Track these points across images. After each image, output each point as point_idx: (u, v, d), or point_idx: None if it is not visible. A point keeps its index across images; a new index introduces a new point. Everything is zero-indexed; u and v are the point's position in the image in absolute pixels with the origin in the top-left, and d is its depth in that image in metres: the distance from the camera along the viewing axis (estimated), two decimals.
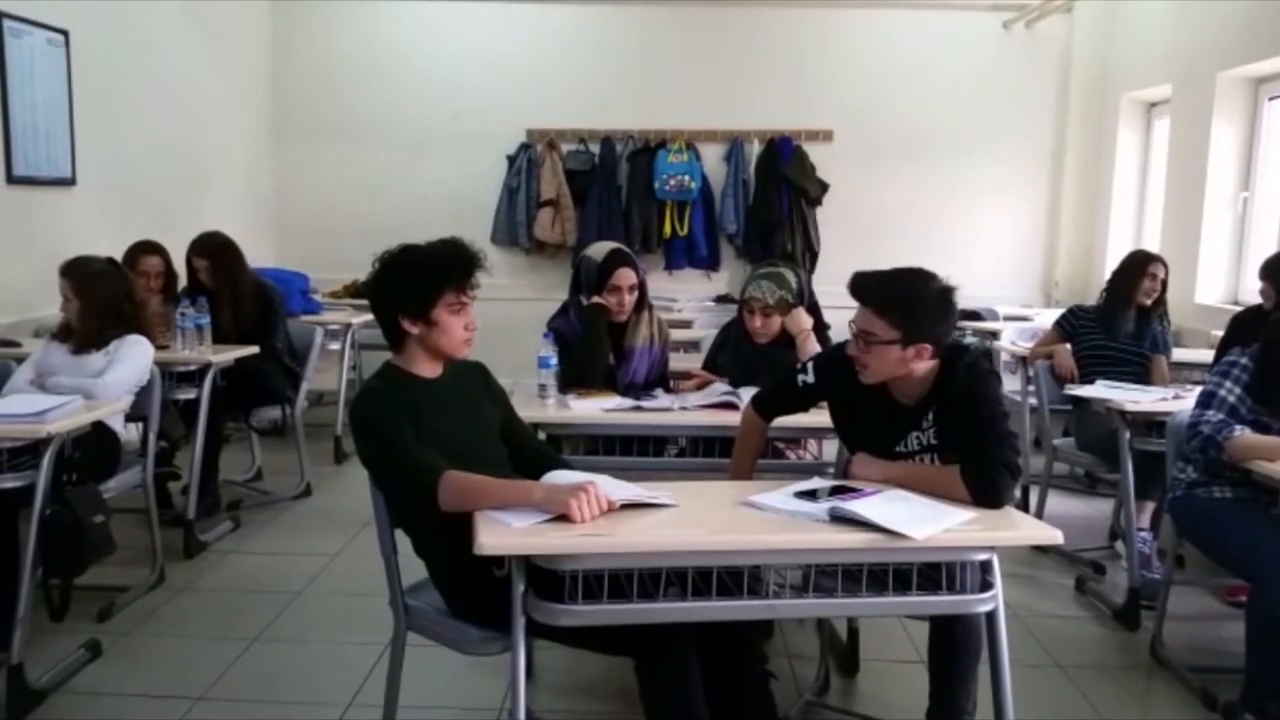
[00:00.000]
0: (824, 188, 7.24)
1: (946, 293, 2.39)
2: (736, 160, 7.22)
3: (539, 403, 3.21)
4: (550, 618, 2.01)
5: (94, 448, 3.30)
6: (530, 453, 2.54)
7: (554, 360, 3.28)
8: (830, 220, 7.26)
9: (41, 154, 4.83)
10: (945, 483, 2.28)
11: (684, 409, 3.25)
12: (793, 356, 3.36)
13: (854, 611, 2.77)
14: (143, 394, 3.63)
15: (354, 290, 6.73)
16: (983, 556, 2.13)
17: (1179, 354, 4.67)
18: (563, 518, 2.03)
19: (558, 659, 3.09)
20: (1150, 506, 3.95)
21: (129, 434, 3.66)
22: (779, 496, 2.22)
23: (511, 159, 7.27)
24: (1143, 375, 4.29)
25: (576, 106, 7.24)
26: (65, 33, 4.95)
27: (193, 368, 4.09)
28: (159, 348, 3.80)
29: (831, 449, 3.15)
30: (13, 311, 4.58)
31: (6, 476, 2.93)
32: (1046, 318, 5.53)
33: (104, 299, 3.56)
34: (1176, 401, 3.65)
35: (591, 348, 3.46)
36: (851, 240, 7.16)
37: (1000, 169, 7.36)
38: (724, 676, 2.26)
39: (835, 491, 2.25)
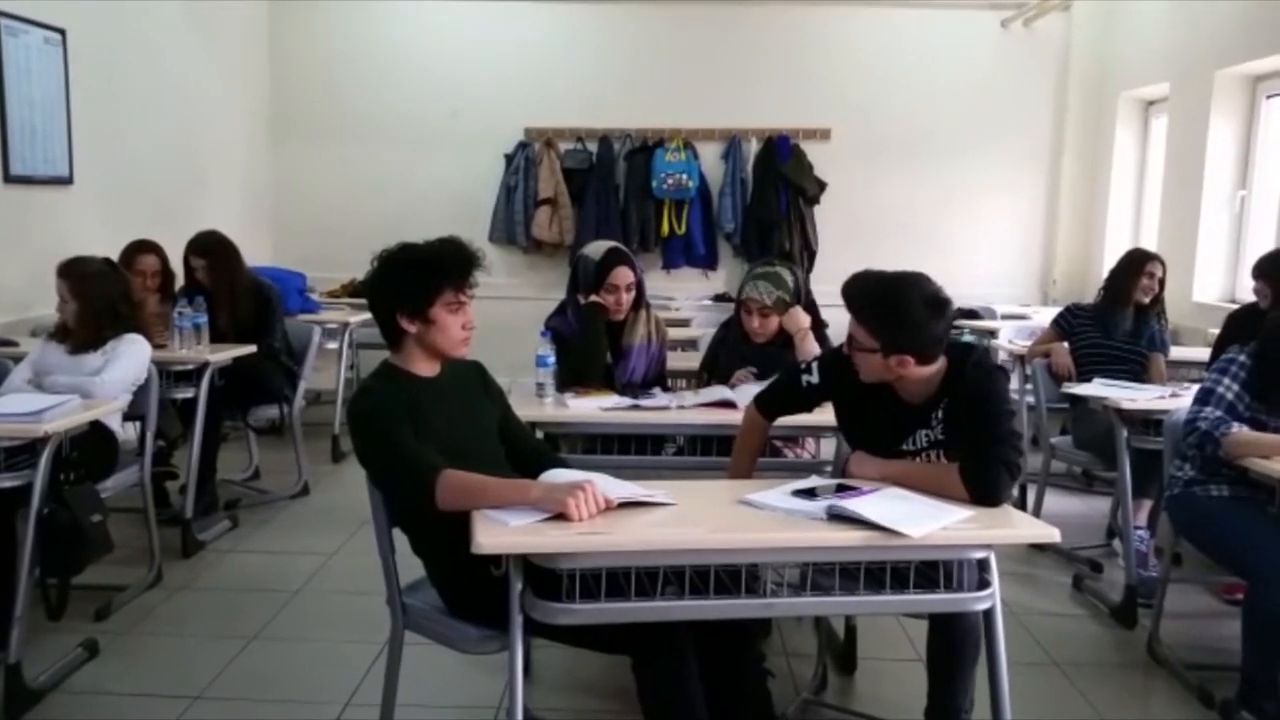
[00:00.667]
0: (822, 186, 7.23)
1: (935, 301, 2.37)
2: (734, 159, 7.22)
3: (537, 402, 3.21)
4: (548, 616, 2.01)
5: (91, 447, 3.29)
6: (528, 451, 2.54)
7: (552, 359, 3.28)
8: (828, 219, 7.26)
9: (38, 153, 4.82)
10: (943, 481, 2.29)
11: (682, 408, 3.25)
12: (791, 355, 3.36)
13: (851, 610, 2.78)
14: (140, 393, 3.63)
15: (352, 289, 6.74)
16: (980, 555, 2.13)
17: (1176, 352, 4.68)
18: (560, 516, 2.03)
19: (556, 658, 3.09)
20: (1147, 504, 3.96)
21: (126, 433, 3.66)
22: (777, 495, 2.22)
23: (509, 158, 7.27)
24: (1140, 373, 4.29)
25: (574, 105, 7.24)
26: (62, 31, 4.94)
27: (190, 367, 4.08)
28: (156, 347, 3.80)
29: (829, 447, 3.16)
30: (10, 311, 4.57)
31: (4, 476, 2.93)
32: (1044, 316, 5.53)
33: (101, 300, 3.56)
34: (1174, 400, 3.65)
35: (589, 346, 3.46)
36: (849, 239, 7.16)
37: (998, 167, 7.36)
38: (722, 675, 2.26)
39: (833, 490, 2.25)
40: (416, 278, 2.31)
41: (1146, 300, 4.45)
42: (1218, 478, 2.97)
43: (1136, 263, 4.49)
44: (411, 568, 2.42)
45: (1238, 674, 2.81)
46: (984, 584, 2.15)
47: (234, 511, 4.55)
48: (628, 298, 3.49)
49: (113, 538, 3.18)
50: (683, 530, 2.08)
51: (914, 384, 2.43)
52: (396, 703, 2.45)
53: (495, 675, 2.87)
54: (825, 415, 2.76)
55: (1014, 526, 2.23)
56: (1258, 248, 5.27)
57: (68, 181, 5.05)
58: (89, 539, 3.03)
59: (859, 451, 2.50)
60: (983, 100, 7.26)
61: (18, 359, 3.65)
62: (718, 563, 2.05)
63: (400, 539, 2.37)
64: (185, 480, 4.19)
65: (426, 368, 2.38)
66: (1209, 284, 5.84)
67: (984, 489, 2.23)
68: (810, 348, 3.36)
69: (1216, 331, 4.40)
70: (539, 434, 3.02)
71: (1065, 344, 4.49)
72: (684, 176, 7.04)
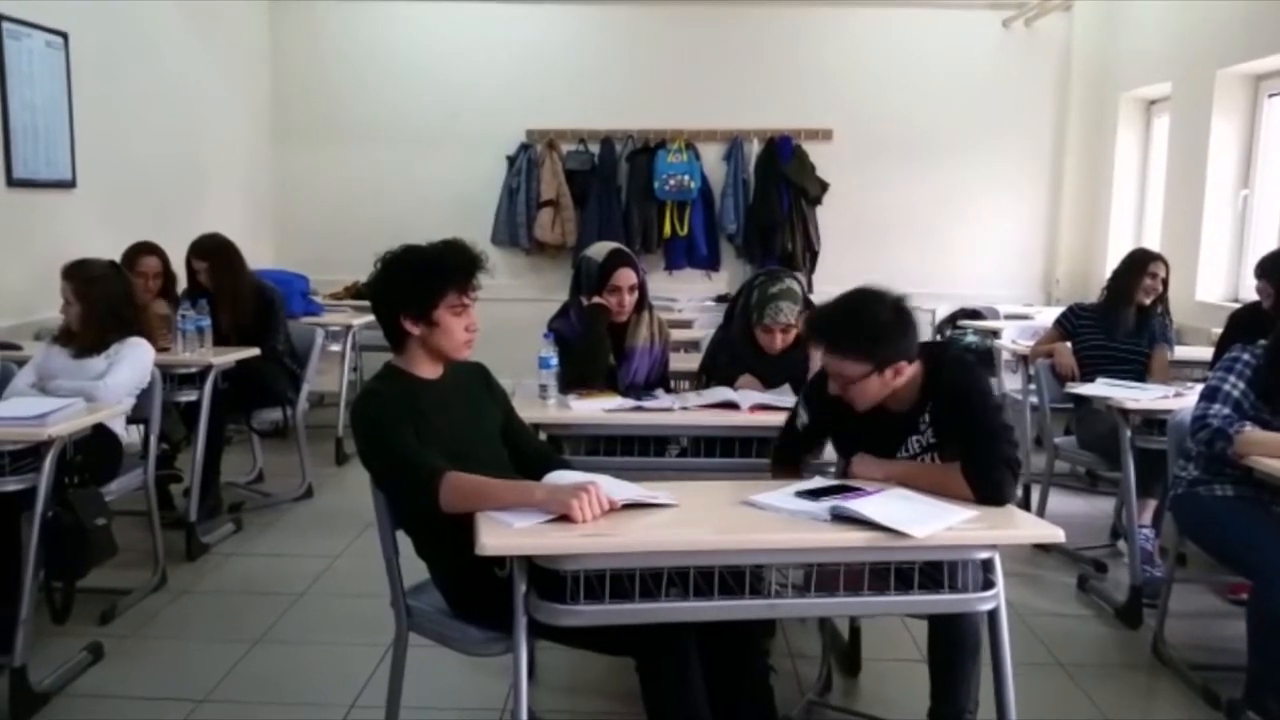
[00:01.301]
0: (824, 187, 7.24)
1: (900, 308, 2.38)
2: (736, 160, 7.22)
3: (540, 403, 3.21)
4: (552, 618, 2.01)
5: (95, 450, 3.30)
6: (531, 453, 2.54)
7: (554, 361, 3.28)
8: (830, 219, 7.26)
9: (41, 156, 4.83)
10: (947, 481, 2.28)
11: (684, 409, 3.25)
12: (797, 355, 3.37)
13: (855, 611, 2.77)
14: (144, 396, 3.63)
15: (354, 291, 6.74)
16: (984, 555, 2.13)
17: (1180, 351, 4.67)
18: (564, 518, 2.03)
19: (560, 659, 3.09)
20: (1152, 504, 3.95)
21: (130, 436, 3.66)
22: (780, 496, 2.22)
23: (511, 159, 7.27)
24: (1143, 373, 4.28)
25: (576, 107, 7.24)
26: (64, 35, 4.95)
27: (194, 370, 4.09)
28: (160, 350, 3.80)
29: (832, 448, 3.15)
30: (13, 314, 4.58)
31: (8, 479, 2.93)
32: (1047, 316, 5.52)
33: (105, 302, 3.56)
34: (1177, 399, 3.64)
35: (592, 348, 3.46)
36: (852, 239, 7.16)
37: (1000, 167, 7.36)
38: (724, 675, 2.26)
39: (837, 490, 2.25)
40: (420, 280, 2.31)
41: (1149, 301, 4.44)
42: (1222, 477, 2.96)
43: (1139, 263, 4.48)
44: (415, 570, 2.42)
45: (1243, 674, 2.80)
46: (989, 584, 2.15)
47: (238, 514, 4.56)
48: (630, 299, 3.48)
49: (117, 541, 3.18)
50: (686, 531, 2.08)
51: (898, 392, 2.42)
52: (401, 705, 2.45)
53: (499, 677, 2.88)
54: None
55: (1018, 527, 2.23)
56: (1260, 247, 5.27)
57: (70, 185, 5.06)
58: (93, 542, 3.03)
59: (862, 453, 2.49)
60: (984, 100, 7.26)
61: (21, 362, 3.65)
62: (722, 564, 2.04)
63: (404, 541, 2.37)
64: (189, 483, 4.19)
65: (429, 370, 2.38)
66: (1212, 283, 5.84)
67: (989, 490, 2.24)
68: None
69: (1220, 331, 4.40)
70: (542, 435, 3.02)
71: (1068, 344, 4.49)
72: (686, 177, 7.05)
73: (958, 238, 7.31)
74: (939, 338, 6.30)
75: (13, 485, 2.93)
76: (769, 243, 7.08)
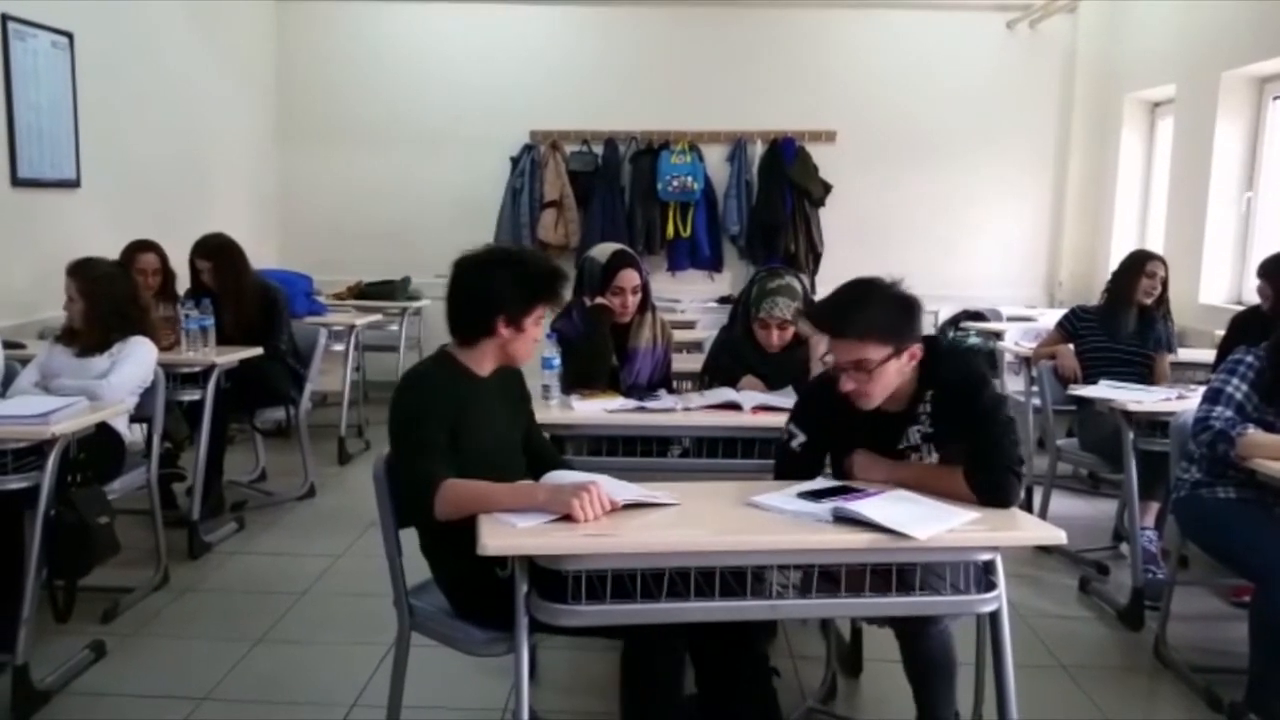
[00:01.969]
0: (827, 188, 7.23)
1: (902, 291, 2.37)
2: (739, 161, 7.22)
3: (542, 404, 3.20)
4: (553, 618, 2.01)
5: (98, 449, 3.30)
6: (548, 458, 2.56)
7: (557, 361, 3.29)
8: (833, 221, 7.26)
9: (46, 157, 4.84)
10: (951, 483, 2.27)
11: (687, 410, 3.26)
12: (798, 355, 3.37)
13: (857, 612, 2.76)
14: (147, 395, 3.64)
15: (357, 291, 6.75)
16: (986, 557, 2.13)
17: (1183, 354, 4.67)
18: (566, 518, 2.04)
19: (561, 659, 3.09)
20: (1154, 507, 3.95)
21: (133, 435, 3.67)
22: (782, 497, 2.21)
23: (515, 160, 7.27)
24: (1146, 375, 4.28)
25: (580, 108, 7.25)
26: (70, 35, 4.96)
27: (197, 369, 4.09)
28: (163, 349, 3.81)
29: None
30: (17, 313, 4.59)
31: (12, 478, 2.93)
32: (1050, 318, 5.53)
33: (108, 301, 3.57)
34: (1180, 401, 3.64)
35: (595, 349, 3.46)
36: (855, 241, 7.15)
37: (1004, 169, 7.35)
38: (717, 676, 2.28)
39: (839, 492, 2.25)
40: (525, 286, 2.33)
41: (1149, 301, 4.44)
42: (1224, 480, 2.96)
43: (1137, 263, 4.49)
44: (417, 569, 2.42)
45: (1245, 677, 2.79)
46: (990, 586, 2.15)
47: (240, 513, 4.56)
48: (633, 300, 3.49)
49: (119, 539, 3.19)
50: (688, 532, 2.09)
51: (896, 390, 2.38)
52: (403, 704, 2.46)
53: (501, 677, 2.88)
54: None
55: (1020, 529, 2.23)
56: (1264, 249, 5.24)
57: (75, 184, 5.07)
58: (96, 541, 3.04)
59: (865, 453, 2.47)
60: (988, 102, 7.25)
61: (25, 361, 3.66)
62: (723, 564, 2.04)
63: (407, 541, 2.37)
64: (191, 482, 4.20)
65: (484, 367, 2.40)
66: (1215, 286, 5.83)
67: (993, 495, 2.23)
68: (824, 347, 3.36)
69: (1222, 333, 4.39)
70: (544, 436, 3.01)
71: (1070, 346, 4.49)
72: (689, 179, 7.05)
73: (961, 240, 7.30)
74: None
75: (16, 484, 2.94)
76: (772, 244, 7.08)
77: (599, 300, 3.47)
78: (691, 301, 7.09)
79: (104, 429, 3.35)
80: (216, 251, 4.60)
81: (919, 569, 2.11)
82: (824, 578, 2.08)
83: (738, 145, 7.23)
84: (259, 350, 4.43)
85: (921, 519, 2.07)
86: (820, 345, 3.33)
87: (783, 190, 7.13)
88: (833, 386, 2.39)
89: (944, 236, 7.27)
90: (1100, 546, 4.32)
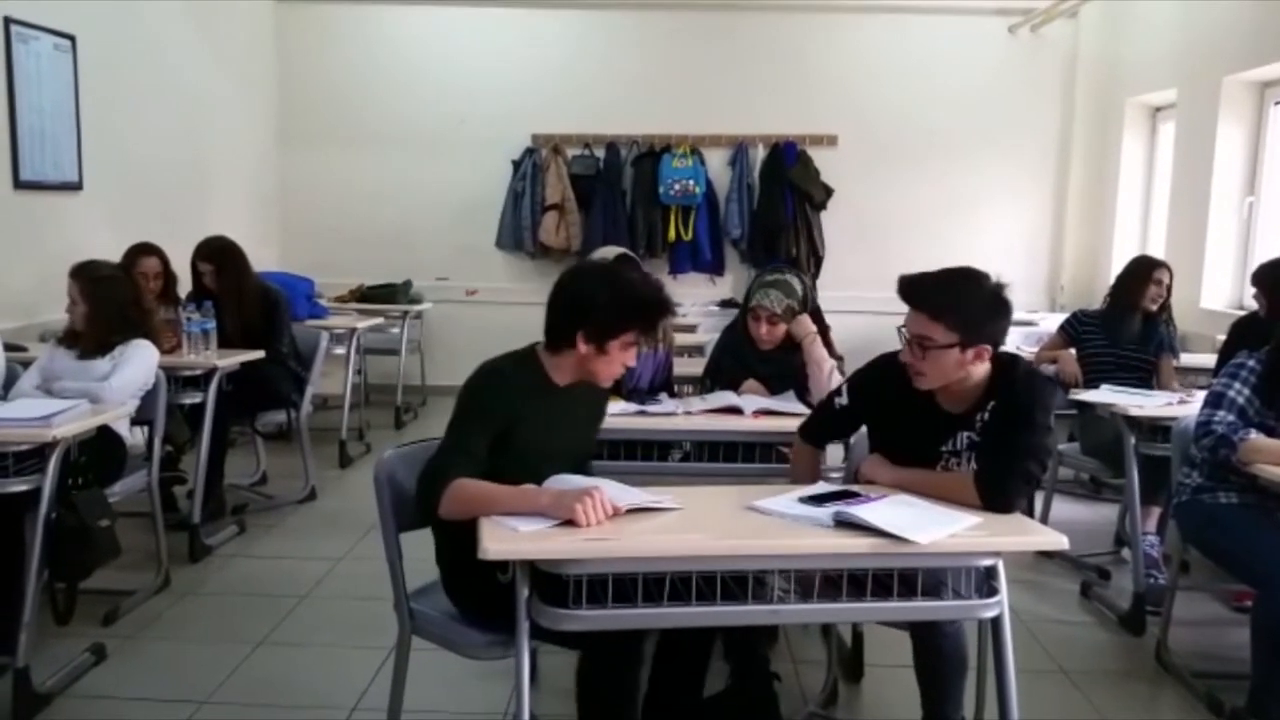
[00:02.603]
0: (829, 192, 7.24)
1: (999, 292, 2.36)
2: (741, 165, 7.23)
3: None
4: (555, 622, 2.01)
5: (99, 452, 3.30)
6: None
7: None
8: (835, 225, 7.26)
9: (48, 159, 4.84)
10: (956, 488, 2.27)
11: (688, 414, 3.25)
12: (797, 359, 3.36)
13: (858, 617, 2.76)
14: (148, 398, 3.64)
15: (359, 294, 6.75)
16: (988, 562, 2.13)
17: (1184, 359, 4.66)
18: (568, 522, 2.03)
19: (561, 663, 3.07)
20: (1156, 511, 3.94)
21: (134, 438, 3.67)
22: (784, 501, 2.21)
23: (516, 164, 7.28)
24: (1147, 380, 4.28)
25: (581, 111, 7.26)
26: (72, 38, 4.97)
27: (198, 372, 4.09)
28: (165, 352, 3.81)
29: (837, 453, 3.15)
30: (19, 316, 4.59)
31: (13, 480, 2.93)
32: (1052, 322, 5.53)
33: (110, 304, 3.57)
34: (1181, 406, 3.64)
35: None
36: (856, 245, 7.16)
37: (1005, 173, 7.36)
38: (678, 682, 2.28)
39: (840, 496, 2.24)
40: (615, 309, 2.26)
41: (1154, 307, 4.44)
42: (1226, 485, 2.96)
43: (1144, 270, 4.48)
44: (418, 573, 2.42)
45: (1247, 682, 2.79)
46: (992, 591, 2.15)
47: (241, 517, 4.56)
48: None
49: (120, 542, 3.19)
50: (689, 536, 2.08)
51: (961, 390, 2.36)
52: (403, 708, 2.46)
53: (501, 681, 2.88)
54: None
55: (1022, 533, 2.23)
56: (1266, 254, 5.24)
57: (77, 187, 5.07)
58: (97, 543, 3.04)
59: (874, 456, 2.47)
60: (990, 106, 7.26)
61: (27, 364, 3.66)
62: (724, 569, 2.04)
63: (407, 545, 2.37)
64: (192, 485, 4.20)
65: (563, 377, 2.36)
66: (1217, 291, 5.83)
67: (996, 495, 2.22)
68: (819, 353, 3.36)
69: (1224, 338, 4.39)
70: None
71: (1072, 351, 4.49)
72: (691, 182, 7.05)
73: (962, 243, 7.28)
74: None
75: (17, 486, 2.93)
76: (773, 248, 7.08)
77: None
78: (693, 305, 7.09)
79: (105, 432, 3.35)
80: (218, 254, 4.60)
81: (921, 574, 2.11)
82: (826, 582, 2.08)
83: (739, 149, 7.24)
84: (260, 353, 4.43)
85: (923, 524, 2.07)
86: (804, 324, 3.38)
87: (784, 194, 7.13)
88: (901, 366, 2.39)
89: (945, 240, 7.25)
90: (1102, 551, 4.32)
